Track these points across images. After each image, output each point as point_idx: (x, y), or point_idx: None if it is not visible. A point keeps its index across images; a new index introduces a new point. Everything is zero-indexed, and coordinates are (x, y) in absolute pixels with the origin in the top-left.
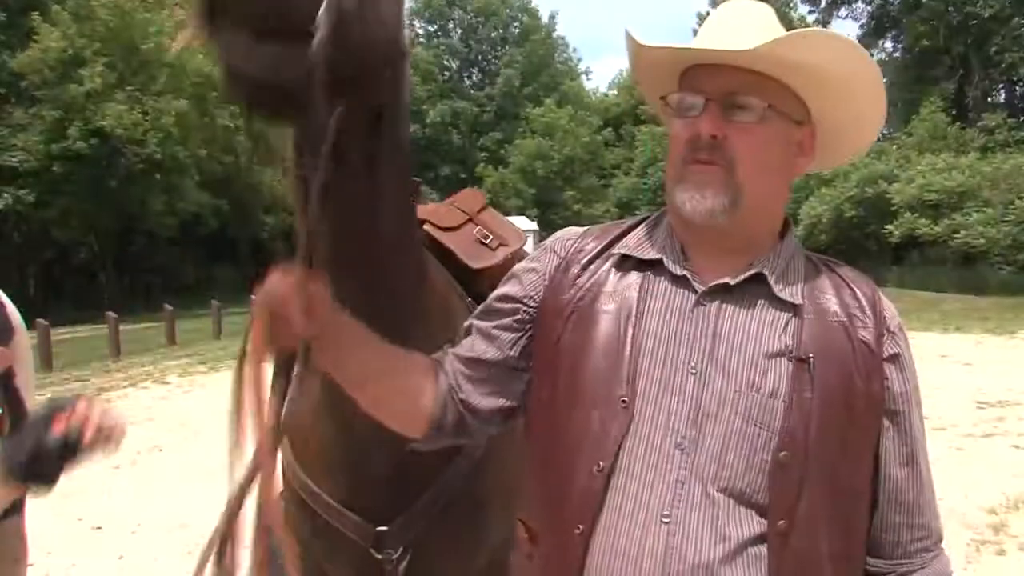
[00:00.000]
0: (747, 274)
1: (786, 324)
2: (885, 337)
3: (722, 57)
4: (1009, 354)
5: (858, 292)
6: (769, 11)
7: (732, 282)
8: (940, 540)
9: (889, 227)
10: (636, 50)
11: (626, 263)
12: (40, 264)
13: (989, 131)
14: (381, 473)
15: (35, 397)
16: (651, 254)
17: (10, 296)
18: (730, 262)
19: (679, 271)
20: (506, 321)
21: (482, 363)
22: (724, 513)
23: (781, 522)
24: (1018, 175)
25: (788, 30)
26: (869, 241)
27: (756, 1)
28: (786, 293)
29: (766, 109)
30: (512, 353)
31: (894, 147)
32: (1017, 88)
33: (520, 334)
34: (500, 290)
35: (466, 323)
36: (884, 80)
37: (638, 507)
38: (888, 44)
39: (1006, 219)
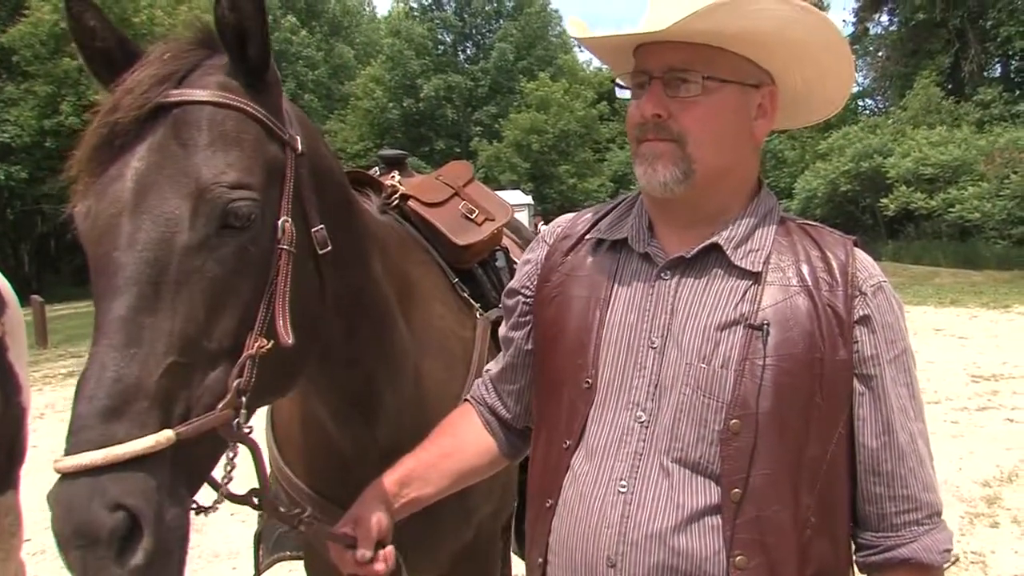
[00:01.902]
0: (701, 245)
1: (744, 292)
2: (857, 300)
3: (648, 37)
4: (1003, 328)
5: (829, 255)
6: None
7: (688, 255)
8: (935, 514)
9: (884, 201)
10: (582, 41)
11: (600, 246)
12: (34, 240)
13: (984, 105)
14: (365, 471)
15: (29, 373)
16: (619, 234)
17: (5, 273)
18: (697, 234)
19: (642, 248)
20: (513, 319)
21: (509, 370)
22: (679, 483)
23: (735, 490)
24: (1013, 149)
25: None
26: (864, 215)
27: None
28: (745, 261)
29: (706, 80)
30: (527, 347)
31: (889, 121)
32: (1013, 62)
33: (527, 327)
34: (508, 284)
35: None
36: (880, 54)
37: (599, 480)
38: (884, 18)
39: (1001, 193)
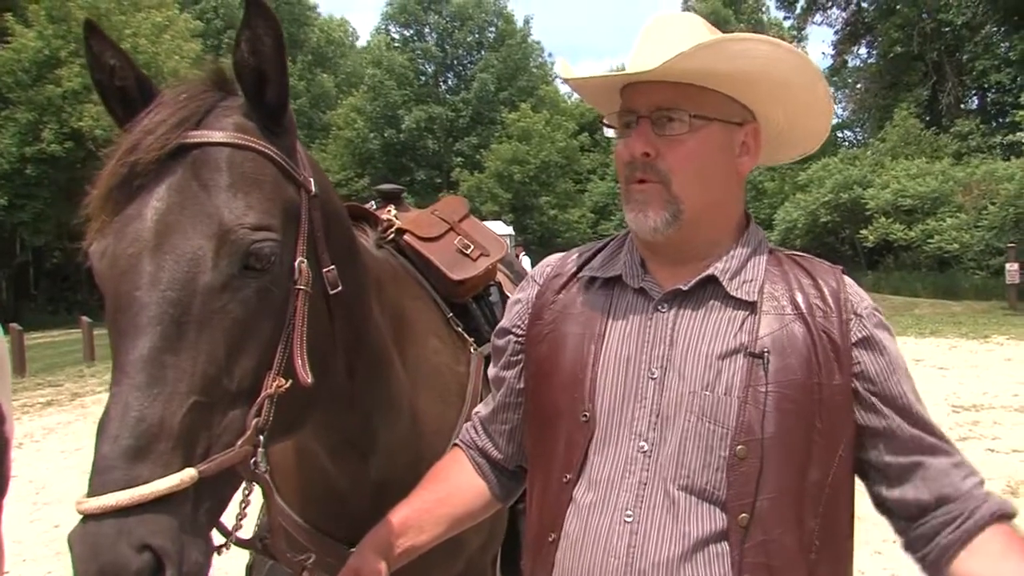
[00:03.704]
0: (698, 278)
1: (742, 322)
2: (852, 322)
3: (637, 76)
4: (983, 358)
5: (821, 283)
6: (696, 20)
7: (685, 287)
8: (983, 480)
9: (864, 232)
10: (569, 81)
11: (593, 284)
12: (13, 268)
13: (962, 137)
14: (360, 505)
15: (11, 404)
16: (613, 272)
17: None
18: (690, 268)
19: (637, 284)
20: (504, 358)
21: (501, 410)
22: (685, 511)
23: (742, 515)
24: (991, 180)
25: (747, 34)
26: (844, 246)
27: (684, 12)
28: (741, 292)
29: (692, 119)
30: (519, 386)
31: (868, 152)
32: (989, 95)
33: (519, 366)
34: (499, 324)
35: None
36: (858, 86)
37: (604, 511)
38: (863, 50)
39: (979, 224)
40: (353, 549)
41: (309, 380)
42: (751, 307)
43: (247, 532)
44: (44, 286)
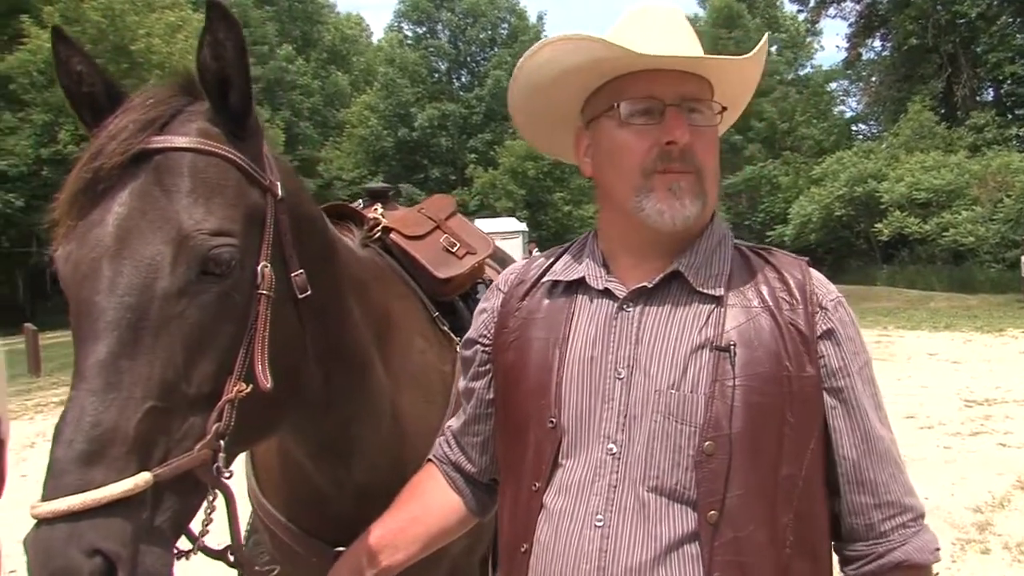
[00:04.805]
0: (663, 274)
1: (708, 317)
2: (818, 315)
3: (695, 65)
4: (997, 352)
5: (786, 275)
6: (680, 12)
7: (650, 284)
8: (919, 516)
9: (879, 226)
10: (593, 57)
11: (556, 288)
12: (29, 269)
13: (977, 129)
14: (342, 505)
15: (22, 402)
16: (575, 275)
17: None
18: (655, 265)
19: (600, 285)
20: (473, 369)
21: (472, 422)
22: (655, 513)
23: (712, 512)
24: (1007, 173)
25: (770, 29)
26: (859, 240)
27: (671, 7)
28: (707, 286)
29: (717, 111)
30: (488, 396)
31: (883, 146)
32: (1004, 86)
33: (487, 376)
34: (466, 335)
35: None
36: (873, 79)
37: (574, 516)
38: (877, 43)
39: (995, 217)
40: (339, 549)
41: (268, 385)
42: (717, 301)
43: (214, 539)
44: (59, 286)
